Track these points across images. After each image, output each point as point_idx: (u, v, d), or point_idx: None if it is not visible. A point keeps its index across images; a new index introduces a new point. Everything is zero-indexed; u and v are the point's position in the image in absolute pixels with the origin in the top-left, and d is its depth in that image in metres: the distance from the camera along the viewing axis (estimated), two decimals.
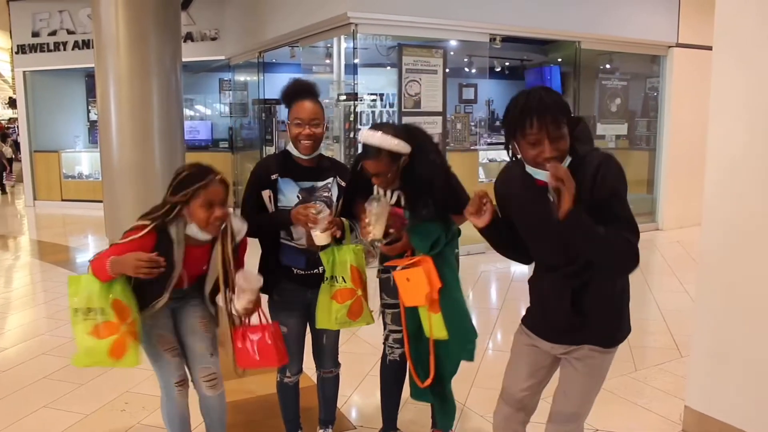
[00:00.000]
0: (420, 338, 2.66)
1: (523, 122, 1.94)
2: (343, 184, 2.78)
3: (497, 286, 6.35)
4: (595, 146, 2.08)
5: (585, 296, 2.11)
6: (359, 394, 3.68)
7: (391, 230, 2.57)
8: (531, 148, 1.97)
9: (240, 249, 2.63)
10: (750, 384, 2.92)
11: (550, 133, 1.93)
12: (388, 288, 2.82)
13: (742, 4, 2.94)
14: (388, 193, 2.65)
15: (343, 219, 2.70)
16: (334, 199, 2.75)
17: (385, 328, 2.89)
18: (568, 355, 2.21)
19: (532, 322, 2.29)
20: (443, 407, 2.83)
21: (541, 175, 1.97)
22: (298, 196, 2.69)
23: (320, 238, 2.57)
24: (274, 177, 2.70)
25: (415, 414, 3.32)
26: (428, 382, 2.65)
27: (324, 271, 2.66)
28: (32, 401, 3.59)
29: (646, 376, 3.93)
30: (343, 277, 2.64)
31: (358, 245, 2.70)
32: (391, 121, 8.18)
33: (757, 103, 2.86)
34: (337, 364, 3.01)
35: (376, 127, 2.57)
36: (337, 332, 2.93)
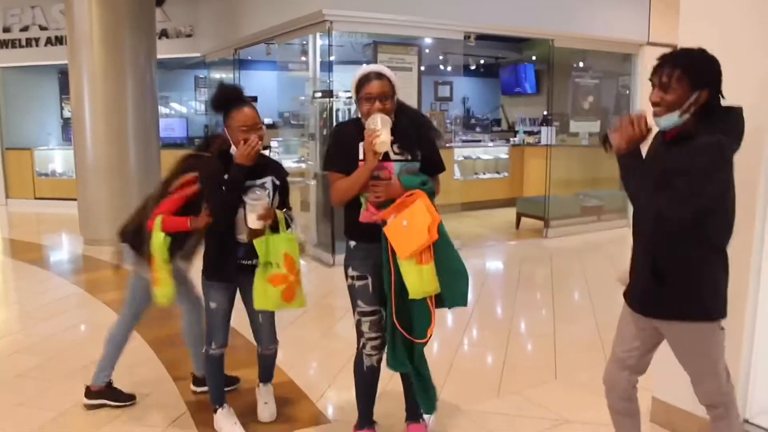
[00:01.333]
0: (405, 305, 2.70)
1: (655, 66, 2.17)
2: (277, 182, 3.02)
3: (472, 282, 6.41)
4: (726, 134, 2.11)
5: (663, 264, 2.26)
6: (334, 389, 3.71)
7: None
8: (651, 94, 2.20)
9: None
10: None
11: (661, 79, 2.14)
12: (365, 295, 2.82)
13: (703, 8, 3.01)
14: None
15: (278, 211, 2.97)
16: (270, 195, 2.97)
17: (361, 336, 2.88)
18: (661, 327, 2.37)
19: (627, 290, 2.53)
20: (424, 388, 2.90)
21: (654, 122, 2.20)
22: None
23: (254, 222, 2.82)
24: (226, 177, 2.88)
25: (390, 407, 3.36)
26: (430, 330, 2.69)
27: (257, 264, 2.90)
28: (5, 400, 3.57)
29: None
30: (277, 263, 2.87)
31: (291, 234, 2.97)
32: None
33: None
34: (275, 341, 3.24)
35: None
36: (272, 313, 3.15)
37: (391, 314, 2.72)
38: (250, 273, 2.96)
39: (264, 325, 3.18)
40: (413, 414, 3.13)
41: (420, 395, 2.93)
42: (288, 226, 3.01)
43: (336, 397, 3.64)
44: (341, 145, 2.84)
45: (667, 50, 2.26)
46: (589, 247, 7.90)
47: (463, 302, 2.69)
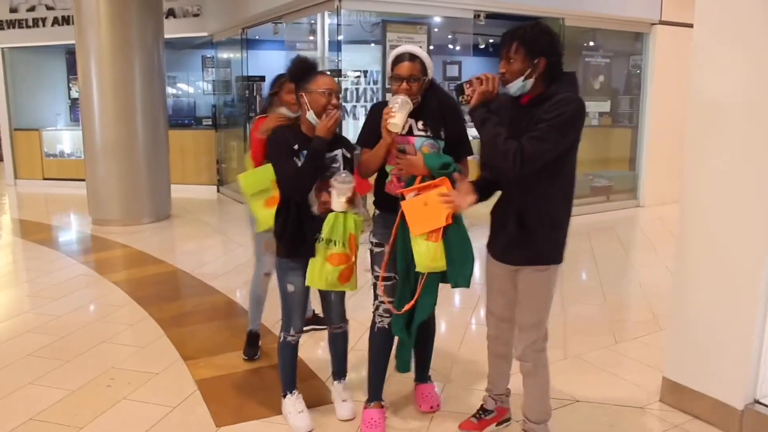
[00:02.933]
0: (409, 278, 2.80)
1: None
2: (348, 155, 2.98)
3: (480, 263, 6.39)
4: (572, 92, 2.45)
5: (526, 214, 2.53)
6: None
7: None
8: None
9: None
10: (723, 355, 2.99)
11: (503, 53, 2.46)
12: (381, 261, 2.92)
13: None
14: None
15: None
16: (341, 169, 2.92)
17: (376, 299, 2.97)
18: (516, 274, 2.63)
19: (489, 243, 2.76)
20: (406, 346, 2.99)
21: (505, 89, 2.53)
22: None
23: (340, 205, 2.80)
24: (296, 147, 2.88)
25: (398, 386, 3.37)
26: (407, 307, 2.79)
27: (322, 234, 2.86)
28: (17, 379, 3.60)
29: (626, 348, 4.01)
30: (342, 242, 2.82)
31: (360, 215, 2.91)
32: (375, 99, 8.16)
33: (737, 80, 2.89)
34: (345, 320, 3.17)
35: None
36: (343, 291, 3.07)
37: (404, 279, 2.81)
38: None
39: (335, 302, 3.12)
40: (422, 376, 3.25)
41: (399, 353, 3.03)
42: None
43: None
44: (371, 123, 2.92)
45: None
46: (598, 228, 7.85)
47: (466, 284, 2.76)
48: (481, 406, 2.99)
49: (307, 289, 3.01)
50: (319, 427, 3.07)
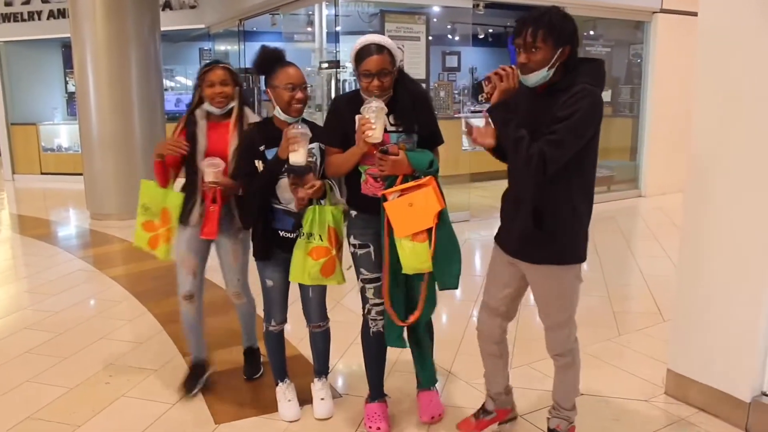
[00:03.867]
0: (397, 280, 2.73)
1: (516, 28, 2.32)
2: (323, 148, 2.85)
3: (481, 253, 6.34)
4: (591, 83, 2.30)
5: (544, 210, 2.40)
6: (344, 363, 3.69)
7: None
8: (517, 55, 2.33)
9: None
10: (730, 347, 2.95)
11: (526, 42, 2.27)
12: (367, 263, 2.83)
13: None
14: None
15: (325, 181, 2.81)
16: (318, 163, 2.84)
17: (366, 303, 2.89)
18: (530, 271, 2.52)
19: (499, 236, 2.64)
20: (422, 361, 2.97)
21: (523, 80, 2.36)
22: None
23: (298, 155, 2.66)
24: (261, 148, 2.80)
25: (401, 381, 3.34)
26: (413, 318, 2.76)
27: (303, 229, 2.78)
28: (15, 376, 3.56)
29: (629, 340, 3.97)
30: (320, 236, 2.75)
31: (339, 206, 2.81)
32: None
33: (744, 69, 2.84)
34: (325, 319, 3.10)
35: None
36: (323, 288, 3.02)
37: (392, 286, 2.73)
38: None
39: (313, 300, 3.04)
40: (423, 382, 3.13)
41: (418, 368, 3.03)
42: (332, 191, 2.85)
43: (346, 371, 3.62)
44: (336, 120, 2.80)
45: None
46: (599, 218, 7.74)
47: (455, 285, 2.71)
48: (482, 405, 2.92)
49: (287, 283, 2.98)
50: (319, 422, 3.05)
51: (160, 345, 3.97)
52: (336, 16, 6.77)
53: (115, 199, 7.70)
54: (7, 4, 10.98)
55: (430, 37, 7.41)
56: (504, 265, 2.62)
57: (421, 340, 3.02)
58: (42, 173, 11.51)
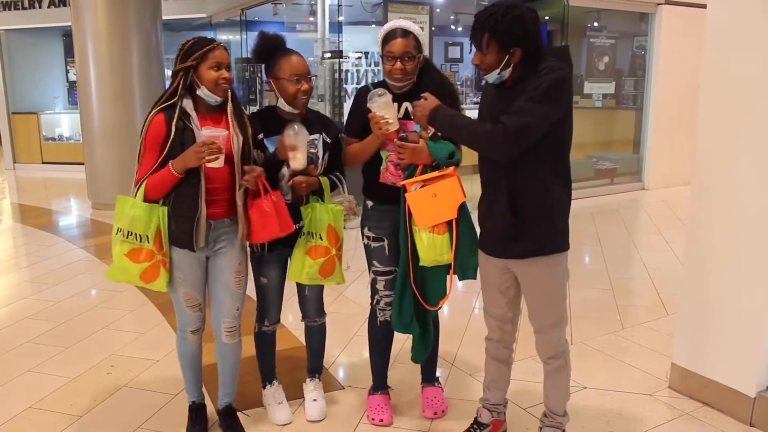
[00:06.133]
0: (416, 270, 2.69)
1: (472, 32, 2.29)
2: (328, 140, 2.78)
3: None
4: (557, 63, 2.26)
5: (519, 200, 2.33)
6: (347, 355, 3.68)
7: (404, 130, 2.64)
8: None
9: None
10: (735, 341, 2.93)
11: (477, 42, 2.26)
12: (381, 256, 2.80)
13: None
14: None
15: (325, 178, 2.75)
16: (320, 155, 2.75)
17: (376, 294, 2.87)
18: (517, 269, 2.45)
19: (482, 241, 2.54)
20: (423, 343, 2.88)
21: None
22: None
23: (297, 161, 2.60)
24: (260, 137, 2.71)
25: (404, 374, 3.32)
26: (443, 300, 2.74)
27: (302, 227, 2.70)
28: (16, 365, 3.55)
29: (633, 334, 3.96)
30: (320, 235, 2.68)
31: (338, 205, 2.74)
32: (375, 80, 8.06)
33: (752, 61, 2.80)
34: (322, 314, 3.02)
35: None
36: (321, 285, 2.93)
37: (407, 277, 2.69)
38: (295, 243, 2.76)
39: (310, 296, 2.96)
40: (429, 377, 3.10)
41: (414, 345, 2.92)
42: (333, 190, 2.78)
43: (348, 363, 3.61)
44: (358, 110, 2.77)
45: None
46: (602, 211, 7.78)
47: (473, 276, 2.66)
48: (475, 419, 2.78)
49: (282, 282, 2.89)
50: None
51: (162, 335, 3.96)
52: (339, 5, 6.74)
53: (116, 189, 7.59)
54: None
55: (434, 28, 7.36)
56: (494, 270, 2.53)
57: (429, 329, 2.92)
58: (43, 162, 11.48)
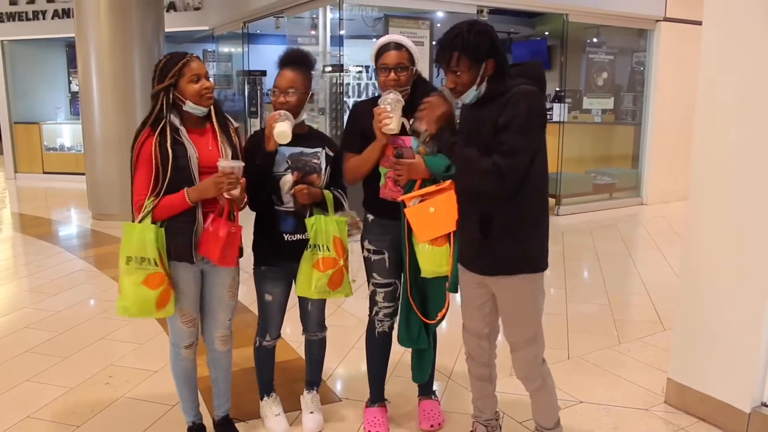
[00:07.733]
0: (417, 283, 2.74)
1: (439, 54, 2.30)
2: (331, 153, 2.82)
3: None
4: (526, 84, 2.26)
5: (491, 220, 2.33)
6: (344, 367, 3.69)
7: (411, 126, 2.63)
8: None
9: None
10: (731, 357, 2.95)
11: (449, 65, 2.26)
12: (381, 269, 2.83)
13: None
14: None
15: (328, 192, 2.77)
16: (323, 166, 2.78)
17: (375, 305, 2.89)
18: (493, 286, 2.44)
19: (461, 255, 2.53)
20: (421, 361, 2.95)
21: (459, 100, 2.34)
22: (287, 161, 2.72)
23: (283, 125, 2.56)
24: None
25: (401, 386, 3.33)
26: (442, 313, 2.77)
27: (308, 239, 2.72)
28: (15, 375, 3.56)
29: (630, 348, 3.97)
30: (327, 246, 2.68)
31: (342, 217, 2.76)
32: (377, 93, 8.11)
33: (749, 78, 2.84)
34: (323, 328, 3.04)
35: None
36: (323, 299, 2.93)
37: (406, 291, 2.74)
38: (301, 255, 2.75)
39: (312, 311, 2.96)
40: (426, 390, 3.12)
41: (414, 365, 2.99)
42: (337, 208, 2.78)
43: (346, 375, 3.62)
44: (356, 126, 2.80)
45: None
46: (600, 225, 7.81)
47: None
48: None
49: (287, 298, 2.90)
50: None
51: (161, 346, 3.97)
52: (340, 20, 6.78)
53: (117, 200, 7.69)
54: (12, 3, 11.00)
55: (434, 42, 7.41)
56: (471, 284, 2.52)
57: (431, 344, 2.97)
58: (44, 172, 11.52)
